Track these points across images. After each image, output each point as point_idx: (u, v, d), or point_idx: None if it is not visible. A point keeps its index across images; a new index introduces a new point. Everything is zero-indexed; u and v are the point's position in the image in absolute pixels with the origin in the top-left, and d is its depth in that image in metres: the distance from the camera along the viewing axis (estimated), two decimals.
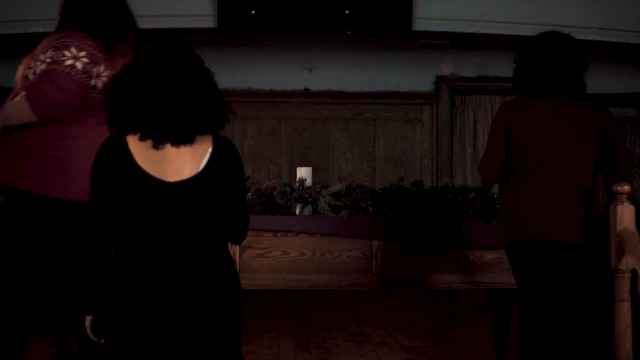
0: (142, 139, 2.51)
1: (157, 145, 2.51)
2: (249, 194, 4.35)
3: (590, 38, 7.15)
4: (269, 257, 4.29)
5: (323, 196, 4.27)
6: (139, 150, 2.52)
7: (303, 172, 4.45)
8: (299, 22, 7.45)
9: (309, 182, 4.40)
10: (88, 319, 2.62)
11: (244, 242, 4.18)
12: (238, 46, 8.20)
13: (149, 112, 2.50)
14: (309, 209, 4.34)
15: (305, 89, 8.51)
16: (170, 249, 2.51)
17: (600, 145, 3.56)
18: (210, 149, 2.57)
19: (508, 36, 7.60)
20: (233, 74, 8.39)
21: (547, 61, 3.56)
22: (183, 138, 2.52)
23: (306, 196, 4.29)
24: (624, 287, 3.29)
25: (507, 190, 3.63)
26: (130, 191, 2.50)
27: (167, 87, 2.51)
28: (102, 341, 2.61)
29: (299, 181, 4.38)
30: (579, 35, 7.06)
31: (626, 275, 3.29)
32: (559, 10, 7.32)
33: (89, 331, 2.61)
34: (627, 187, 3.32)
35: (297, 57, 8.43)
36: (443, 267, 4.35)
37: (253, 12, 7.33)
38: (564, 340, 3.54)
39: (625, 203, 3.32)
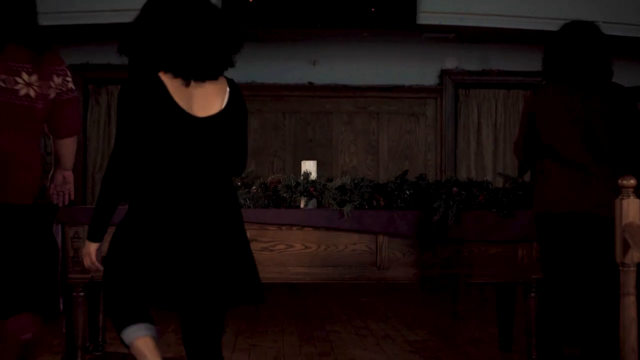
0: (174, 76, 2.75)
1: (187, 83, 2.76)
2: (254, 187, 4.35)
3: None
4: (274, 250, 4.29)
5: (328, 190, 4.27)
6: (173, 87, 2.75)
7: (308, 166, 4.45)
8: (302, 15, 7.44)
9: (313, 176, 4.40)
10: (93, 246, 2.82)
11: (248, 235, 4.20)
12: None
13: (183, 52, 2.73)
14: (313, 203, 4.33)
15: (309, 83, 8.51)
16: (194, 178, 2.77)
17: (621, 127, 3.78)
18: (228, 88, 2.87)
19: (512, 30, 7.59)
20: (236, 67, 8.31)
21: (571, 49, 3.81)
22: (211, 75, 2.81)
23: (311, 190, 4.29)
24: (630, 281, 3.28)
25: (538, 169, 3.97)
26: (166, 124, 2.73)
27: (199, 28, 2.75)
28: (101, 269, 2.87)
29: (303, 175, 4.38)
30: None
31: (632, 269, 3.29)
32: (563, 3, 7.30)
33: (93, 257, 2.83)
34: (632, 181, 3.32)
35: (301, 51, 8.42)
36: (447, 261, 4.34)
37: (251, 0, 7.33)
38: (582, 311, 3.82)
39: (631, 197, 3.32)
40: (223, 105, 2.83)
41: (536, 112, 3.87)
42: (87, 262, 2.86)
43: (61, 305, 4.12)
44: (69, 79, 3.57)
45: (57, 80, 3.50)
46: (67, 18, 7.10)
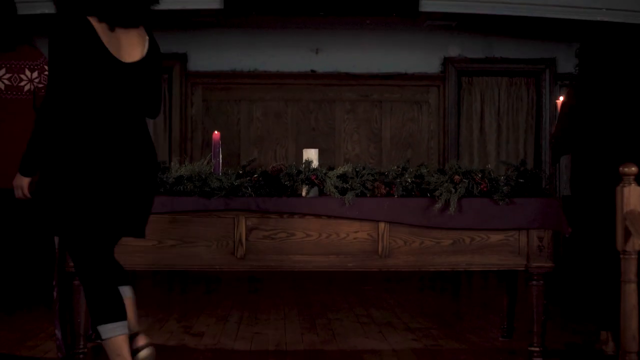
0: (99, 21, 2.94)
1: (112, 29, 2.97)
2: (255, 175, 4.35)
3: (598, 19, 7.10)
4: (275, 238, 4.29)
5: (329, 178, 4.26)
6: (101, 32, 2.95)
7: (310, 154, 4.44)
8: (305, 3, 7.42)
9: (315, 164, 4.39)
10: (25, 180, 3.08)
11: (249, 224, 4.22)
12: (244, 27, 8.17)
13: None
14: (315, 191, 4.33)
15: (312, 71, 8.49)
16: (119, 118, 3.02)
17: None
18: (147, 37, 3.09)
19: (515, 17, 7.56)
20: (239, 55, 8.36)
21: (606, 51, 4.26)
22: (133, 23, 3.03)
23: (312, 178, 4.28)
24: (631, 268, 3.29)
25: (574, 159, 4.42)
26: (96, 67, 2.93)
27: None
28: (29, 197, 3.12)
29: (305, 163, 4.37)
30: (586, 16, 7.00)
31: (633, 256, 3.29)
32: None
33: (25, 190, 3.10)
34: (633, 169, 3.31)
35: (304, 39, 8.40)
36: (449, 249, 4.34)
37: None
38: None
39: (632, 184, 3.31)
40: (144, 52, 3.07)
41: (575, 107, 4.28)
42: (18, 194, 3.13)
43: (55, 294, 4.13)
44: (47, 73, 3.66)
45: (31, 74, 3.63)
46: None
